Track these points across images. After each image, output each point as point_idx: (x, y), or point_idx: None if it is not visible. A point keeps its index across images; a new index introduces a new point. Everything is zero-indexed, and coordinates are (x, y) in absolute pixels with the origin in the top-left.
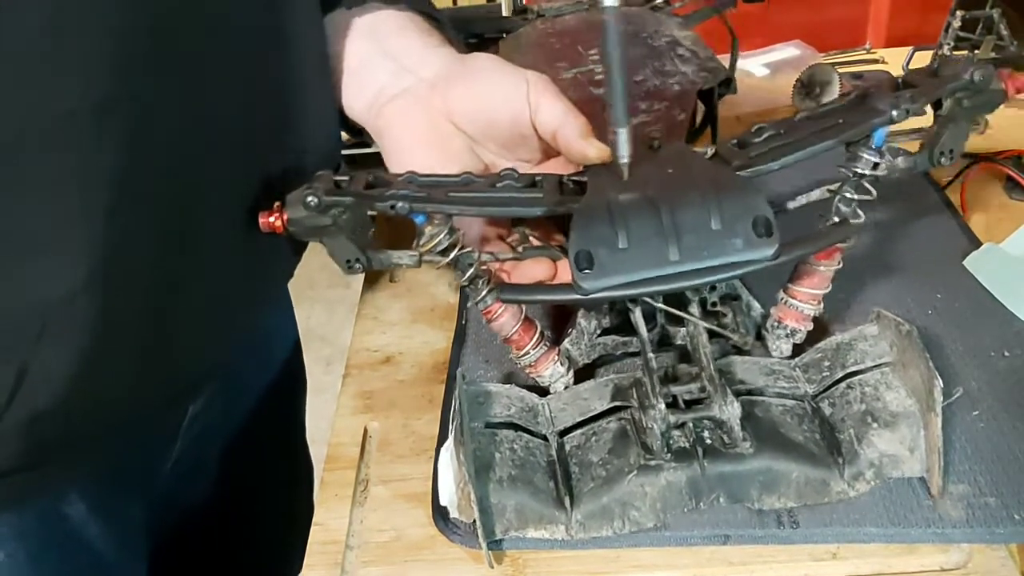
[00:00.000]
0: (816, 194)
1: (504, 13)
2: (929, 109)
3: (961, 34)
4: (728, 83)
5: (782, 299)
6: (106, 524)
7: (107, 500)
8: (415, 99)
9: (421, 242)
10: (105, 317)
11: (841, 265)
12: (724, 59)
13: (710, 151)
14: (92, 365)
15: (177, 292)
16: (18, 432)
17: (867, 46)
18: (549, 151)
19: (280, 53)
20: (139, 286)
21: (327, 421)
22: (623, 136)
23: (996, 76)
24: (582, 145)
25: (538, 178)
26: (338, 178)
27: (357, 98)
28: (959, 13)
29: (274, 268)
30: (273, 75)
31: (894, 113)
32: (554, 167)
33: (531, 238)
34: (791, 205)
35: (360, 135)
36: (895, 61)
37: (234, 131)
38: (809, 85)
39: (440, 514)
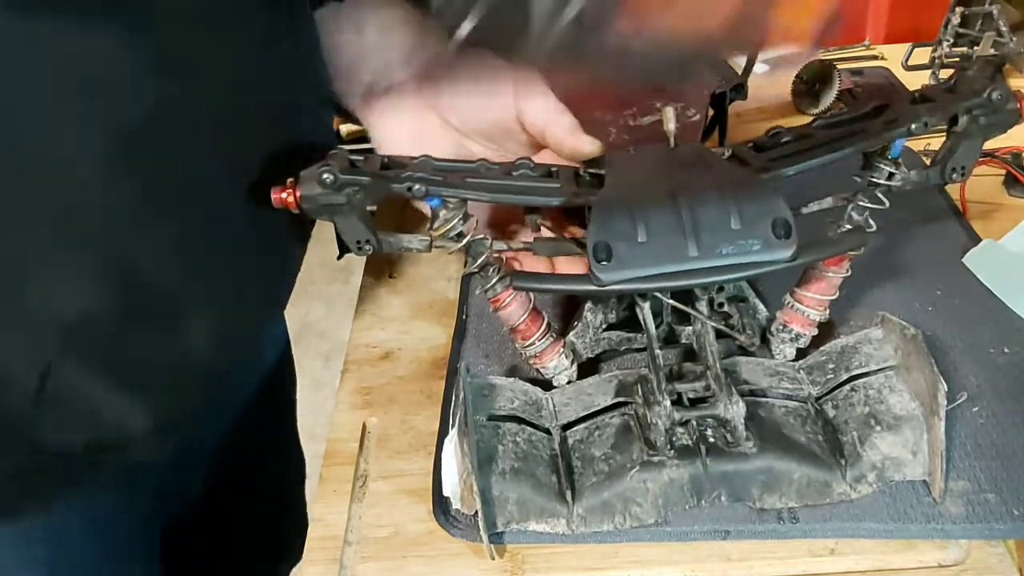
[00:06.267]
0: (829, 201)
1: None
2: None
3: (960, 30)
4: (740, 88)
5: (789, 303)
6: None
7: (101, 496)
8: (404, 94)
9: (434, 226)
10: (118, 335)
11: (850, 273)
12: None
13: (727, 152)
14: (110, 379)
15: (187, 317)
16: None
17: (866, 42)
18: (537, 144)
19: (274, 53)
20: (150, 305)
21: (326, 417)
22: (670, 110)
23: (1013, 96)
24: (573, 142)
25: (553, 168)
26: (353, 157)
27: (348, 91)
28: (958, 9)
29: (274, 292)
30: (268, 77)
31: (913, 126)
32: (547, 159)
33: (544, 229)
34: (805, 210)
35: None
36: (894, 57)
37: (231, 135)
38: (809, 81)
39: (440, 507)
